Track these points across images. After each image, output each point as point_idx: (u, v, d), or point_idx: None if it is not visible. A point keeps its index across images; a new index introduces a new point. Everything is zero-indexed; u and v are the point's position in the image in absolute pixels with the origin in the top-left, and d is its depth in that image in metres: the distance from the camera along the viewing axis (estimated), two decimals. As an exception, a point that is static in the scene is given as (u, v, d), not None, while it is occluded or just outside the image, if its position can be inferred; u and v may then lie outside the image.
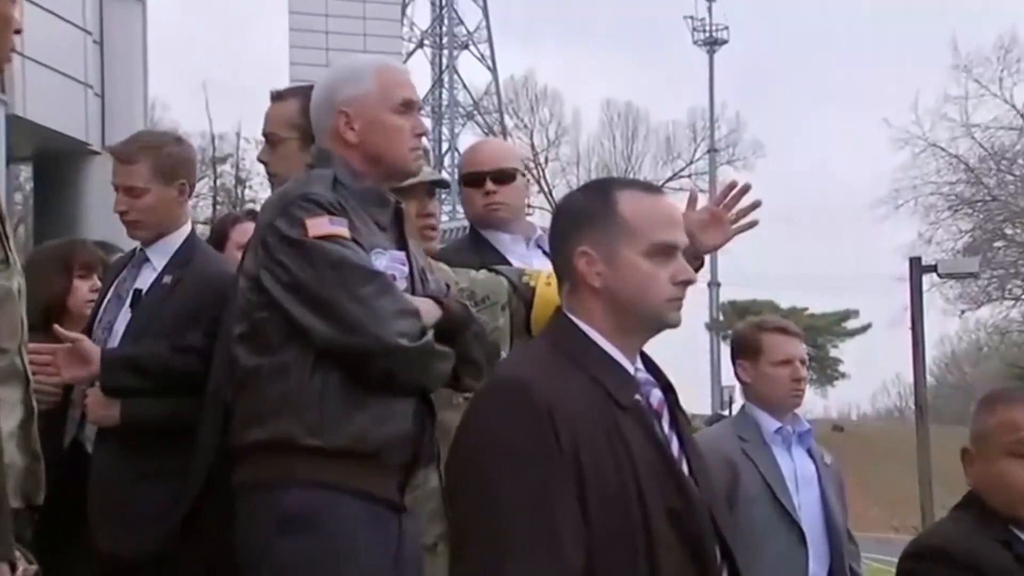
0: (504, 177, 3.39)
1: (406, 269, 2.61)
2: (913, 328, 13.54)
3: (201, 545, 2.96)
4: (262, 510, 2.46)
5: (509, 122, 44.42)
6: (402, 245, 2.65)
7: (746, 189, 3.00)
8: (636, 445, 2.01)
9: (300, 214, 2.49)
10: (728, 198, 2.98)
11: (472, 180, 3.41)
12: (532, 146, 41.89)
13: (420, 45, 46.97)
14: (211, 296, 3.15)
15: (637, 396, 2.07)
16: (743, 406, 3.89)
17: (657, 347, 2.23)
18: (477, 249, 3.34)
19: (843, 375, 36.35)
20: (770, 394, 3.78)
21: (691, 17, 44.12)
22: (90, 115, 12.31)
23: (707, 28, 43.72)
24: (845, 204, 64.07)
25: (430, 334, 2.48)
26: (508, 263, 3.25)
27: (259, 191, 28.55)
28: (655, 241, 2.09)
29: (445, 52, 47.16)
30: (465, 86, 46.98)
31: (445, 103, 46.94)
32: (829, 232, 58.78)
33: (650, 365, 2.18)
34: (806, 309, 34.27)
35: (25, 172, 18.53)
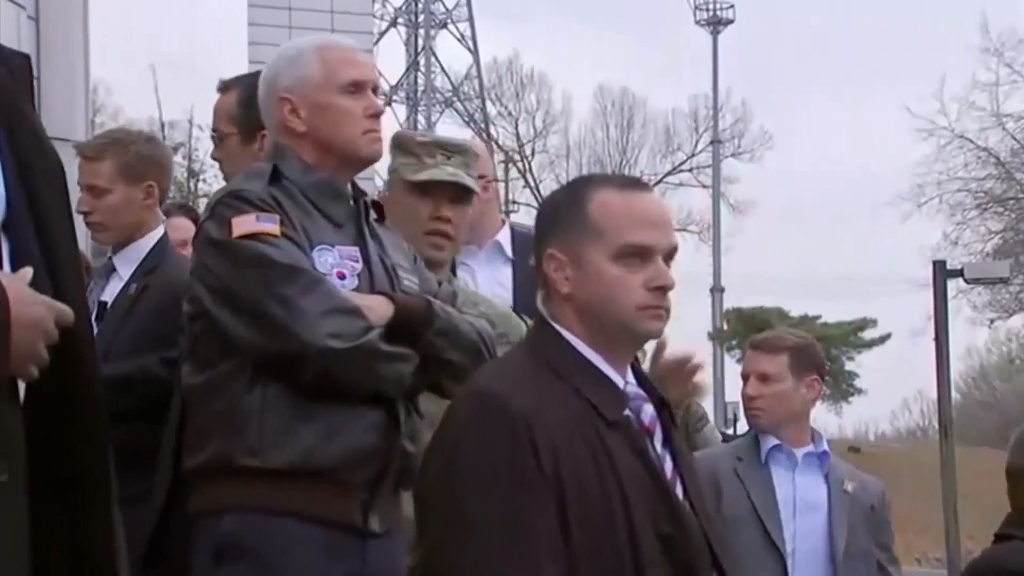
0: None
1: (359, 266, 2.62)
2: (937, 339, 13.59)
3: (169, 572, 2.97)
4: (201, 540, 2.50)
5: (492, 109, 44.58)
6: (360, 240, 2.66)
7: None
8: (624, 465, 2.02)
9: (227, 213, 2.53)
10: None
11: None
12: (517, 136, 42.05)
13: (394, 24, 47.01)
14: (178, 307, 3.16)
15: (626, 412, 2.09)
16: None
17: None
18: None
19: (859, 391, 36.42)
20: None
21: (693, -6, 44.21)
22: (25, 100, 12.25)
23: (710, 6, 43.85)
24: (863, 201, 64.40)
25: (374, 333, 2.49)
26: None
27: (214, 184, 28.51)
28: (624, 242, 2.09)
29: (421, 32, 47.21)
30: (443, 69, 47.03)
31: (421, 88, 46.98)
32: (845, 232, 59.06)
33: (642, 378, 2.19)
34: (819, 317, 34.33)
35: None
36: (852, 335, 35.48)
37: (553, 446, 1.97)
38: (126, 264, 3.35)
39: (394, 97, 46.50)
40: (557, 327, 2.12)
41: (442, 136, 3.27)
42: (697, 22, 43.75)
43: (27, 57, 1.97)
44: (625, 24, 64.26)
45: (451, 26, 47.42)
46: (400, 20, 47.18)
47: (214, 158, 3.22)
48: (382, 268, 2.67)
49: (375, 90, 2.73)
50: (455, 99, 46.41)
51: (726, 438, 6.77)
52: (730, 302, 39.31)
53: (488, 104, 44.82)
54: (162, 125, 31.09)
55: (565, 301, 2.12)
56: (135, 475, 3.06)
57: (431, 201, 3.02)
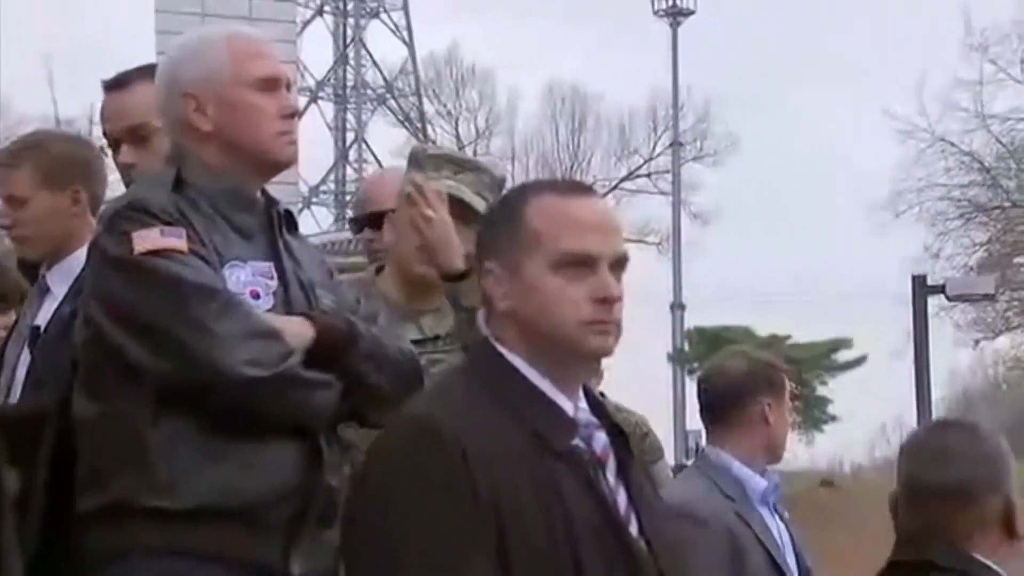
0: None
1: (274, 284, 2.62)
2: (917, 361, 13.75)
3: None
4: None
5: (429, 108, 44.62)
6: (274, 254, 2.66)
7: None
8: (572, 498, 2.03)
9: (126, 226, 2.51)
10: None
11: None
12: (457, 137, 42.05)
13: (319, 12, 46.99)
14: None
15: (575, 440, 2.09)
16: (708, 453, 3.90)
17: (607, 382, 2.26)
18: None
19: (833, 418, 36.67)
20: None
21: (651, -19, 44.48)
22: None
23: (670, -5, 44.14)
24: (837, 210, 64.98)
25: (294, 359, 2.49)
26: None
27: (117, 189, 28.28)
28: (564, 250, 2.10)
29: (351, 21, 47.22)
30: (375, 63, 47.06)
31: (351, 84, 46.95)
32: (817, 244, 59.54)
33: (595, 404, 2.19)
34: (788, 337, 34.60)
35: None
36: (825, 357, 35.74)
37: (493, 479, 1.98)
38: (60, 282, 3.29)
39: (320, 94, 46.47)
40: (499, 347, 2.13)
41: (456, 152, 3.30)
42: (655, 12, 43.85)
43: None
44: (576, 14, 64.59)
45: (383, 15, 47.47)
46: (327, 8, 47.18)
47: (125, 163, 3.17)
48: (298, 285, 2.67)
49: (289, 87, 2.74)
50: (388, 96, 46.43)
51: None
52: (692, 320, 39.48)
53: (425, 102, 44.90)
54: (57, 123, 30.83)
55: (505, 318, 2.12)
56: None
57: None
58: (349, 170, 46.19)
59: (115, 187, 3.22)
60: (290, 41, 36.15)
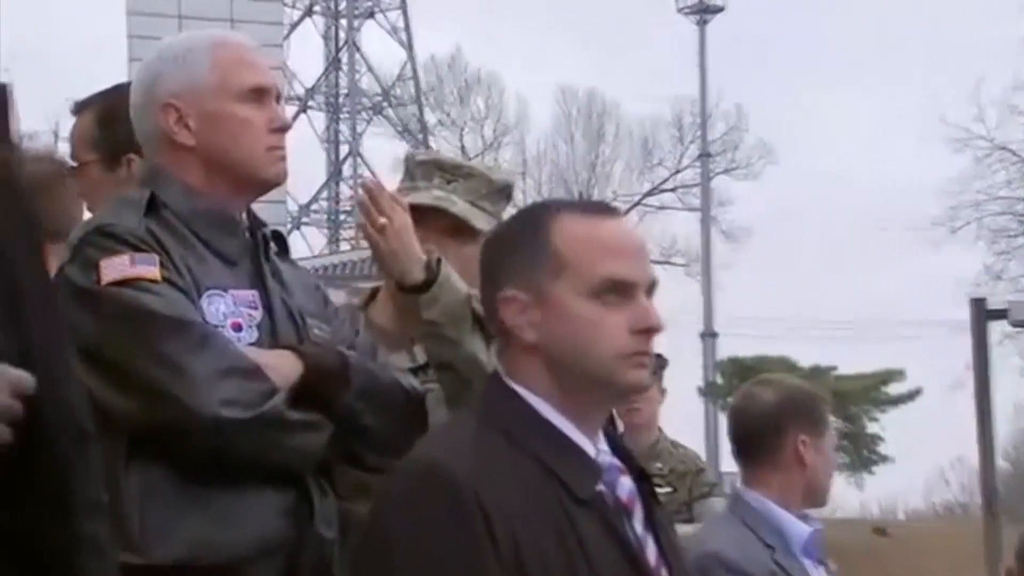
0: None
1: (258, 314, 2.63)
2: (978, 394, 13.71)
3: None
4: None
5: (431, 117, 44.74)
6: (259, 281, 2.67)
7: None
8: (597, 549, 2.04)
9: (94, 255, 2.52)
10: None
11: None
12: (463, 149, 42.06)
13: (308, 13, 47.17)
14: None
15: (599, 486, 2.11)
16: (743, 495, 3.86)
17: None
18: None
19: (885, 458, 36.59)
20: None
21: (675, -24, 44.56)
22: None
23: (697, -10, 44.21)
24: (883, 225, 64.69)
25: (278, 398, 2.50)
26: None
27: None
28: (602, 276, 2.11)
29: (343, 22, 47.37)
30: (371, 68, 47.20)
31: (344, 92, 47.07)
32: (863, 264, 59.46)
33: (618, 446, 2.21)
34: (833, 368, 34.51)
35: None
36: (875, 390, 35.68)
37: (512, 530, 1.99)
38: None
39: (310, 103, 46.59)
40: (514, 386, 2.14)
41: (448, 157, 3.29)
42: (680, 10, 44.11)
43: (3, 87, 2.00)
44: (593, 13, 64.76)
45: (379, 15, 47.62)
46: (317, 8, 47.33)
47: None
48: (286, 315, 2.67)
49: (279, 99, 2.76)
50: (385, 104, 46.54)
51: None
52: (725, 350, 39.44)
53: (426, 111, 45.01)
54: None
55: (529, 352, 2.14)
56: None
57: (420, 231, 2.99)
58: (343, 187, 46.28)
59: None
60: (276, 45, 36.27)
